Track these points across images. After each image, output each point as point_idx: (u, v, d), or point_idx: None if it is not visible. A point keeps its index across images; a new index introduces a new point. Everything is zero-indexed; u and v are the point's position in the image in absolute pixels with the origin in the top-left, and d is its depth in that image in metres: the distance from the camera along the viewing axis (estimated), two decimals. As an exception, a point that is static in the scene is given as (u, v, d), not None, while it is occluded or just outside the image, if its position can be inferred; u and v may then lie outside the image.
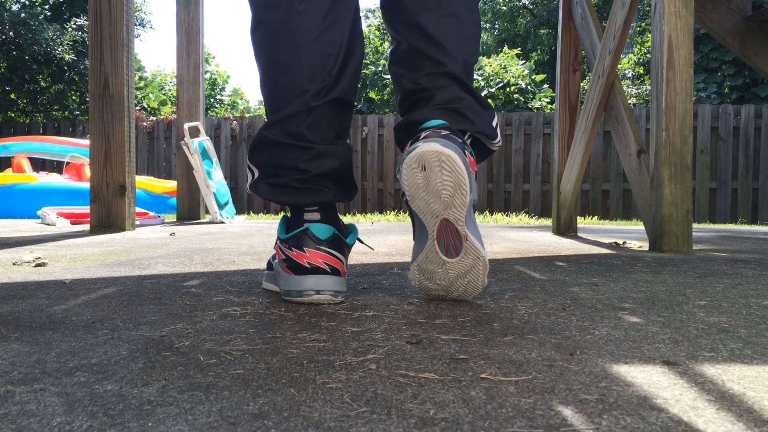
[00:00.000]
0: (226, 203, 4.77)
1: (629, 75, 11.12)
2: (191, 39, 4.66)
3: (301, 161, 1.14)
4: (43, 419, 0.57)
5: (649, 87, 9.95)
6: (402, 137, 1.17)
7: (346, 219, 5.80)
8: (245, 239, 2.73)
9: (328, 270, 1.12)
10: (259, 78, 1.20)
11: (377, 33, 11.35)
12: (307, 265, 1.12)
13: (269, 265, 1.32)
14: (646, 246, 2.43)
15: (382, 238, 2.86)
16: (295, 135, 1.14)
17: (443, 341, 0.86)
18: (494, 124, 1.22)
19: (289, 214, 1.24)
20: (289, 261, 1.14)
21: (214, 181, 4.60)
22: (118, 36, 3.12)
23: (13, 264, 1.72)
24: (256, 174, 1.21)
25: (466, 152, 1.05)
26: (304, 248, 1.12)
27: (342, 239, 1.16)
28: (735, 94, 9.06)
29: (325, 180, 1.16)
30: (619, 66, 9.63)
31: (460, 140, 1.06)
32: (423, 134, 1.05)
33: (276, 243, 1.21)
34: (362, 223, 4.92)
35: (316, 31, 1.13)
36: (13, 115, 10.34)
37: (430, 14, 1.16)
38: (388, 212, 7.33)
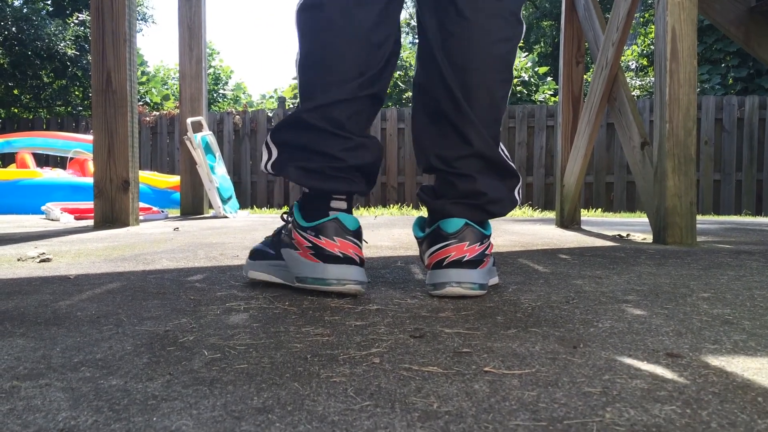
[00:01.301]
0: (230, 198, 4.78)
1: (633, 67, 11.08)
2: (193, 33, 4.65)
3: (339, 150, 1.14)
4: (48, 414, 0.57)
5: (652, 78, 9.91)
6: (424, 199, 1.25)
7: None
8: (249, 234, 2.74)
9: (358, 261, 1.13)
10: (301, 58, 1.18)
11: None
12: (340, 255, 1.11)
13: (256, 252, 1.28)
14: (649, 238, 2.43)
15: (385, 232, 2.86)
16: (336, 123, 1.14)
17: (447, 335, 0.86)
18: (517, 190, 1.26)
19: (292, 204, 1.25)
20: (316, 249, 1.12)
21: (217, 175, 4.60)
22: (120, 31, 3.12)
23: (18, 260, 1.73)
24: (275, 154, 1.20)
25: (486, 258, 1.17)
26: (335, 237, 1.12)
27: (362, 231, 1.18)
28: (739, 85, 9.02)
29: (358, 172, 1.18)
30: (622, 58, 9.59)
31: (481, 257, 1.15)
32: (447, 256, 1.13)
33: (286, 230, 1.21)
34: (365, 216, 4.92)
35: (372, 23, 1.13)
36: (16, 110, 10.35)
37: (466, 73, 1.16)
38: (391, 206, 7.33)
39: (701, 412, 0.57)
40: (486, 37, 1.15)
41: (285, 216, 1.26)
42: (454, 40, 1.15)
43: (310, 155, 1.16)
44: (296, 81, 1.24)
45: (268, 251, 1.25)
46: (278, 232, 1.25)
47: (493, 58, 1.16)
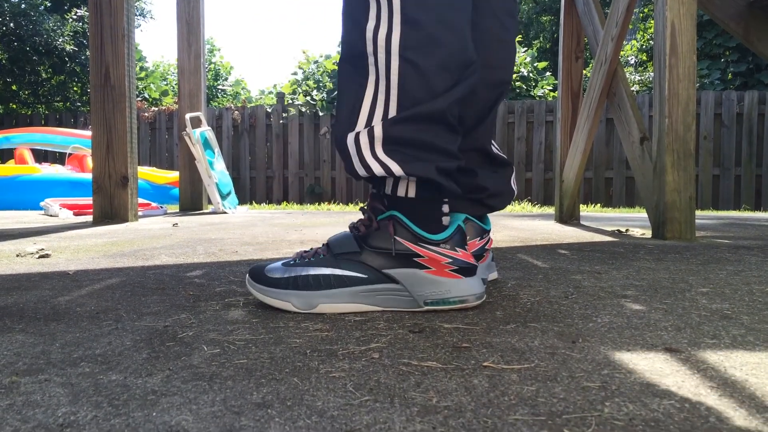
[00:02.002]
0: (229, 193, 4.78)
1: (632, 62, 11.07)
2: (192, 29, 4.64)
3: (456, 148, 1.03)
4: (48, 409, 0.57)
5: (652, 74, 9.90)
6: None
7: (349, 208, 5.81)
8: (248, 229, 2.74)
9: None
10: (424, 36, 0.96)
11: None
12: (475, 264, 1.03)
13: (315, 280, 1.00)
14: (648, 233, 2.43)
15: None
16: (456, 118, 1.02)
17: (446, 330, 0.86)
18: (512, 180, 1.23)
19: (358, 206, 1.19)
20: (458, 262, 1.00)
21: (216, 171, 4.60)
22: (119, 26, 3.11)
23: (17, 255, 1.73)
24: (405, 152, 0.99)
25: (486, 252, 1.16)
26: (466, 246, 1.02)
27: None
28: (738, 80, 9.01)
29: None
30: (622, 53, 9.56)
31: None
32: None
33: (397, 246, 1.00)
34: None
35: (470, 14, 1.03)
36: (14, 106, 10.33)
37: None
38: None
39: (700, 406, 0.57)
40: (500, 33, 1.14)
41: (365, 228, 1.03)
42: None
43: (438, 154, 1.00)
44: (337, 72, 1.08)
45: (347, 275, 1.00)
46: (353, 252, 1.02)
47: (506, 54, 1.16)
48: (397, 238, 1.00)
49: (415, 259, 0.99)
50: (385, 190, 1.04)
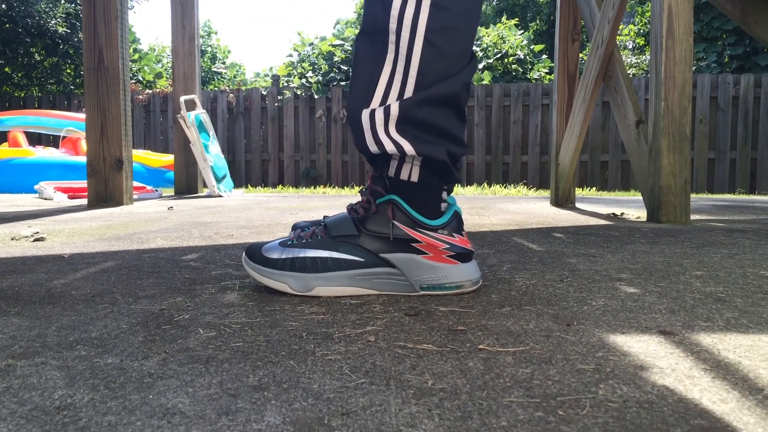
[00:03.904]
0: (224, 177, 4.76)
1: (630, 46, 11.02)
2: (186, 10, 4.59)
3: (464, 137, 1.03)
4: (44, 392, 0.57)
5: (648, 57, 9.87)
6: None
7: (345, 191, 5.80)
8: (243, 213, 2.73)
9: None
10: (450, 21, 0.96)
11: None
12: (472, 250, 1.04)
13: (313, 262, 1.00)
14: (644, 217, 2.43)
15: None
16: (465, 104, 1.03)
17: (441, 313, 0.87)
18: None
19: (355, 190, 1.19)
20: (454, 249, 1.00)
21: (211, 154, 4.58)
22: (112, 7, 3.08)
23: (12, 239, 1.72)
24: (418, 133, 0.99)
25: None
26: (462, 232, 1.03)
27: None
28: (735, 63, 8.99)
29: None
30: (619, 37, 9.51)
31: None
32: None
33: (395, 231, 0.99)
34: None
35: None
36: (8, 89, 10.25)
37: None
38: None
39: (693, 388, 0.58)
40: None
41: (363, 211, 1.03)
42: None
43: (449, 140, 1.01)
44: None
45: (344, 258, 1.00)
46: (351, 235, 1.01)
47: None
48: (396, 222, 0.99)
49: (413, 244, 0.99)
50: (387, 173, 1.04)
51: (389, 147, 0.99)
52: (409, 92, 0.97)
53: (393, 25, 0.96)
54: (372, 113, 0.99)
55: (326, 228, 1.04)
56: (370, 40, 0.99)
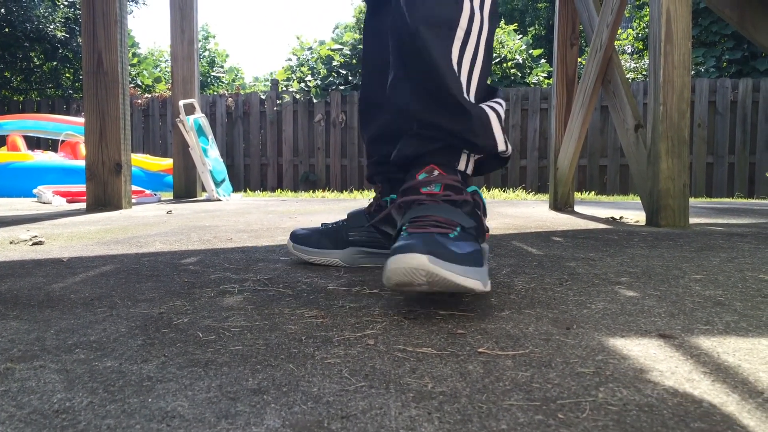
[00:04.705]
0: (223, 180, 4.76)
1: (628, 50, 11.05)
2: (185, 15, 4.60)
3: None
4: (43, 396, 0.57)
5: (647, 61, 9.89)
6: None
7: (344, 195, 5.80)
8: (242, 217, 2.73)
9: None
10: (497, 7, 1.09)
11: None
12: None
13: (462, 257, 0.86)
14: (642, 220, 2.43)
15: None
16: None
17: (441, 316, 0.87)
18: None
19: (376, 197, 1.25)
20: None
21: (210, 158, 4.58)
22: (111, 11, 3.08)
23: (10, 242, 1.72)
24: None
25: None
26: None
27: None
28: (734, 67, 9.01)
29: None
30: (618, 41, 9.52)
31: None
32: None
33: (477, 223, 0.98)
34: (359, 199, 4.92)
35: None
36: (7, 93, 10.25)
37: None
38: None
39: (693, 391, 0.58)
40: None
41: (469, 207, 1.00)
42: None
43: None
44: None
45: (485, 251, 0.98)
46: (473, 227, 0.97)
47: None
48: (479, 213, 1.01)
49: (485, 233, 1.04)
50: (458, 166, 1.05)
51: (505, 145, 1.06)
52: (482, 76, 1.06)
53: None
54: (495, 111, 1.05)
55: (462, 225, 0.95)
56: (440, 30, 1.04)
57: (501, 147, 1.06)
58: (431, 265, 0.79)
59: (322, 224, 1.37)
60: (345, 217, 1.37)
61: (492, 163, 1.10)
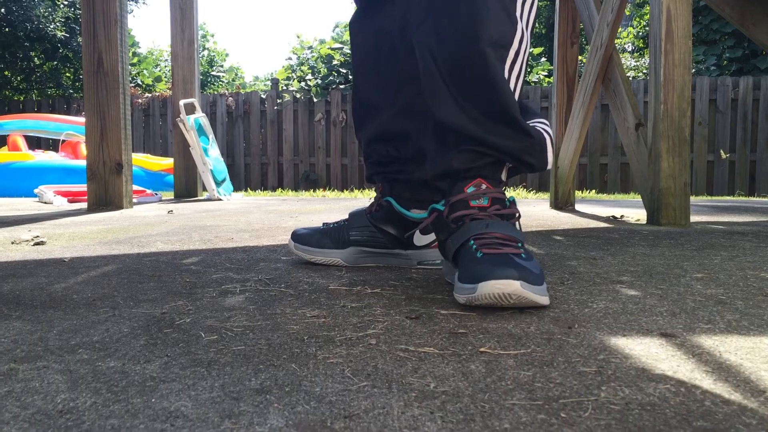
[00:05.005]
0: (224, 180, 4.76)
1: (629, 49, 11.04)
2: (185, 14, 4.60)
3: None
4: (47, 396, 0.57)
5: (648, 59, 9.88)
6: None
7: (344, 194, 5.80)
8: (243, 216, 2.73)
9: None
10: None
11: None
12: None
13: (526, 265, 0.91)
14: (643, 219, 2.43)
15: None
16: None
17: (442, 316, 0.87)
18: None
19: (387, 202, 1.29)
20: None
21: (210, 158, 4.58)
22: (111, 11, 3.08)
23: (12, 243, 1.72)
24: None
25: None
26: None
27: None
28: (734, 65, 9.00)
29: None
30: (618, 40, 9.51)
31: None
32: None
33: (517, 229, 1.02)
34: (359, 198, 4.92)
35: None
36: (7, 93, 10.25)
37: None
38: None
39: (695, 390, 0.58)
40: None
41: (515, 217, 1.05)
42: None
43: None
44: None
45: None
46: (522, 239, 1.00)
47: None
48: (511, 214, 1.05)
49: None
50: (500, 176, 1.08)
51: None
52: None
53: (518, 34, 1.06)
54: (551, 136, 1.12)
55: (522, 244, 0.99)
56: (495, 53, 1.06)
57: (549, 167, 1.13)
58: (523, 290, 0.86)
59: (324, 224, 1.37)
60: (346, 216, 1.37)
61: (521, 170, 1.13)
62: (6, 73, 10.12)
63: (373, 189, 1.43)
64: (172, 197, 4.79)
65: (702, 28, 9.21)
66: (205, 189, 4.70)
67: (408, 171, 1.26)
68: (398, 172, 1.28)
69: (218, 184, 4.58)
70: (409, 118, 1.23)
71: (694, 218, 2.54)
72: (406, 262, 1.30)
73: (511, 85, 1.05)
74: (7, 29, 9.27)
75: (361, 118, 1.33)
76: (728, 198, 5.48)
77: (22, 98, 9.85)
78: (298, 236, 1.36)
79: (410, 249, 1.29)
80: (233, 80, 15.38)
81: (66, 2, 10.26)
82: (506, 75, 1.04)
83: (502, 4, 1.02)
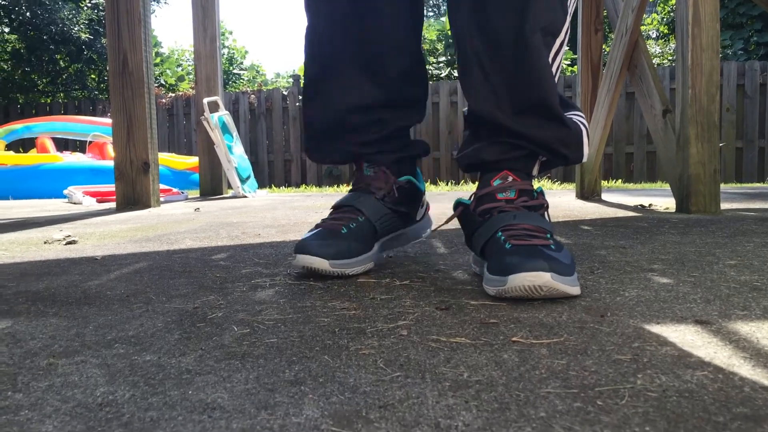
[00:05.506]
0: (248, 177, 4.79)
1: (653, 35, 10.87)
2: (207, 12, 4.63)
3: None
4: (86, 389, 0.58)
5: (673, 45, 9.73)
6: None
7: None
8: (269, 212, 2.75)
9: None
10: None
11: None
12: None
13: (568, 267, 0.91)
14: (672, 207, 2.40)
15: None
16: None
17: (472, 306, 0.87)
18: None
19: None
20: None
21: (235, 155, 4.61)
22: (135, 11, 3.11)
23: (45, 242, 1.76)
24: None
25: None
26: None
27: None
28: (762, 50, 8.82)
29: None
30: (642, 26, 9.38)
31: None
32: None
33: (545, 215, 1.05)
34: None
35: None
36: (34, 95, 10.43)
37: None
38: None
39: (733, 377, 0.57)
40: None
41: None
42: None
43: None
44: None
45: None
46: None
47: None
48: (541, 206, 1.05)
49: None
50: (530, 169, 1.09)
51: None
52: None
53: (567, 25, 1.06)
54: (586, 127, 1.11)
55: (552, 235, 0.98)
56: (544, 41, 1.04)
57: (585, 159, 1.12)
58: (553, 281, 0.85)
59: (319, 223, 1.19)
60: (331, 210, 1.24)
61: (555, 163, 1.12)
62: (33, 76, 10.30)
63: (368, 168, 1.29)
64: (198, 195, 4.83)
65: (728, 12, 9.03)
66: (230, 186, 4.74)
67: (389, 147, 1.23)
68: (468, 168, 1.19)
69: (243, 181, 4.61)
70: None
71: (724, 205, 2.50)
72: (405, 241, 1.29)
73: (555, 76, 1.04)
74: (32, 32, 9.43)
75: (341, 84, 1.23)
76: (758, 185, 5.37)
77: (48, 100, 10.02)
78: (327, 253, 1.09)
79: (410, 225, 1.28)
80: (254, 78, 15.47)
81: (89, 4, 10.40)
82: (551, 64, 1.02)
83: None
